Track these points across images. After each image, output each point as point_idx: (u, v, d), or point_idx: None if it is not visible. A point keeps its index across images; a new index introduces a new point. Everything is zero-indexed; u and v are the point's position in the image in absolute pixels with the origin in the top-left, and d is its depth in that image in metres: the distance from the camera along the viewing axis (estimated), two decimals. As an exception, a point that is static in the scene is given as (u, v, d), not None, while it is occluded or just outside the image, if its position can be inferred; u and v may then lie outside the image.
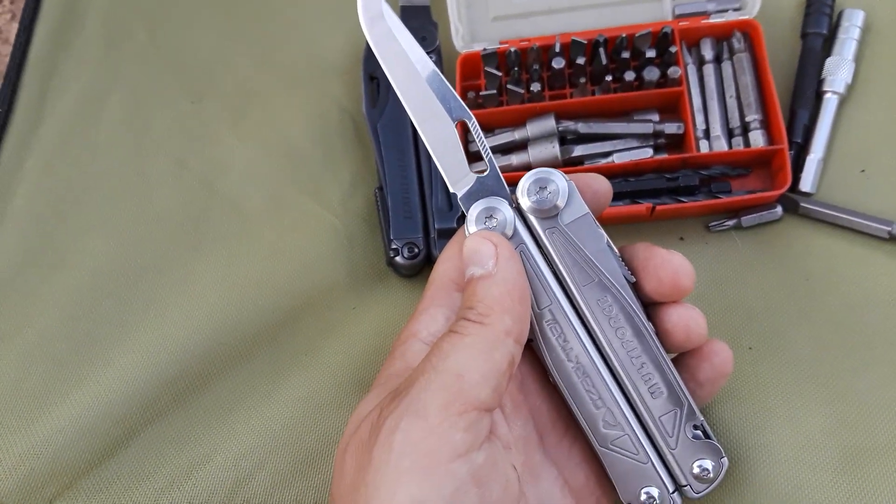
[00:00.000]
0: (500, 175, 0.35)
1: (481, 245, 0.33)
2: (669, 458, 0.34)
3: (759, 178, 0.47)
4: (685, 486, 0.34)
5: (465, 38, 0.50)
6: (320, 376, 0.42)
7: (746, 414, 0.40)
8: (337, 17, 0.52)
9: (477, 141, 0.35)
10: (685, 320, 0.34)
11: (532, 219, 0.35)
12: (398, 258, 0.44)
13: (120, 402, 0.41)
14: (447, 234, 0.45)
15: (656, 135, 0.47)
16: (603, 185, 0.36)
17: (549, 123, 0.47)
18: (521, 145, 0.48)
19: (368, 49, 0.49)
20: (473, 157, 0.48)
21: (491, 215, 0.34)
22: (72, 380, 0.42)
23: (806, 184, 0.45)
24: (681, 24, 0.48)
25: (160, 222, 0.46)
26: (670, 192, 0.46)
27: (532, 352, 0.35)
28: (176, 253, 0.46)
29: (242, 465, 0.40)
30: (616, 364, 0.34)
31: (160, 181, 0.48)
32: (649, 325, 0.34)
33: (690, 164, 0.46)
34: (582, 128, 0.47)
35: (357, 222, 0.47)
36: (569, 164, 0.47)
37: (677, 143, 0.47)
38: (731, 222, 0.45)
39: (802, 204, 0.45)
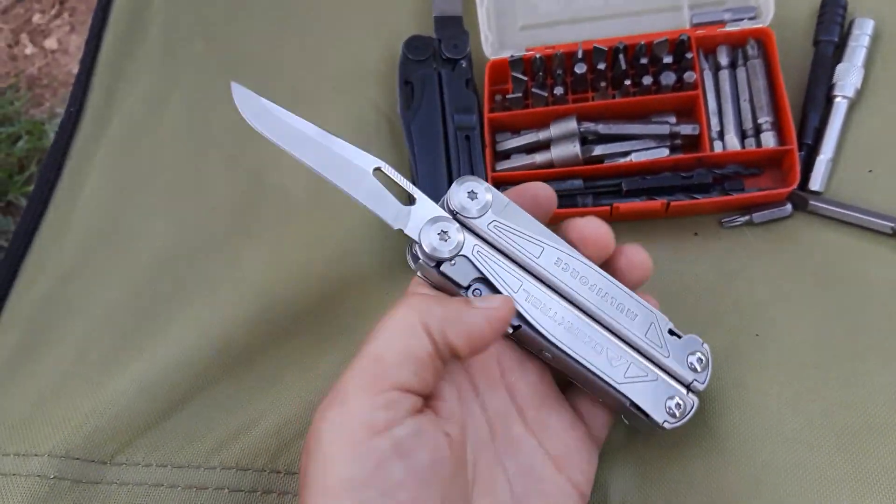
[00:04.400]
0: (428, 198, 0.38)
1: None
2: (669, 365, 0.38)
3: (770, 176, 0.49)
4: (691, 382, 0.38)
5: (494, 45, 0.53)
6: (356, 351, 0.45)
7: (750, 398, 0.42)
8: (376, 28, 0.56)
9: (397, 180, 0.38)
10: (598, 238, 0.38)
11: (472, 222, 0.38)
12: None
13: (175, 370, 0.45)
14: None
15: (672, 136, 0.49)
16: (544, 192, 0.39)
17: (571, 125, 0.50)
18: (544, 145, 0.51)
19: (404, 56, 0.53)
20: (501, 155, 0.52)
21: (444, 231, 0.37)
22: (133, 349, 0.46)
23: (815, 182, 0.48)
24: (698, 31, 0.50)
25: (214, 210, 0.51)
26: (685, 190, 0.48)
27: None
28: (227, 238, 0.50)
29: (285, 431, 0.43)
30: (593, 308, 0.38)
31: (215, 174, 0.52)
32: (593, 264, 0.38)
33: (705, 164, 0.48)
34: (602, 129, 0.50)
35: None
36: (589, 163, 0.50)
37: (693, 143, 0.50)
38: (743, 218, 0.48)
39: (811, 202, 0.47)
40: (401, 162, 0.52)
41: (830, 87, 0.50)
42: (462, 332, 0.34)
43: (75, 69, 1.66)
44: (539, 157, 0.50)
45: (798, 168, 0.47)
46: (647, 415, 0.37)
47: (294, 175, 0.52)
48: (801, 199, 0.47)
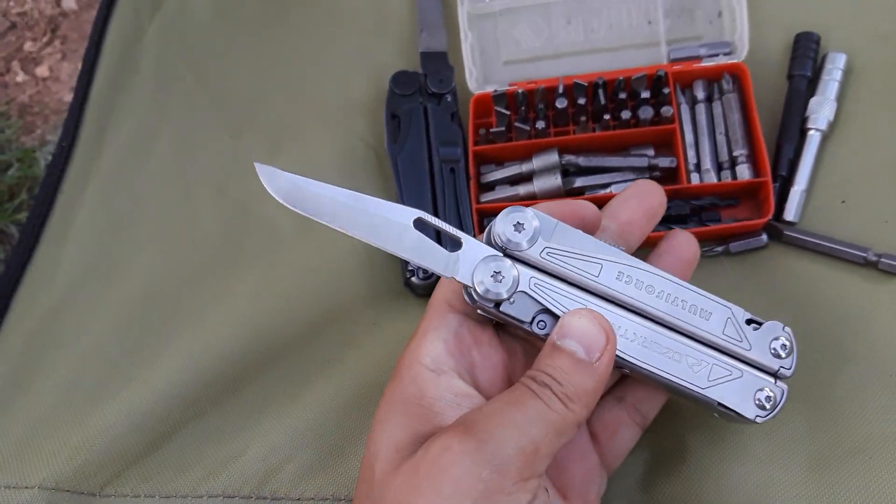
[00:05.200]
0: (474, 239, 0.37)
1: (595, 332, 0.34)
2: (752, 357, 0.37)
3: (746, 207, 0.50)
4: (778, 370, 0.37)
5: (478, 80, 0.55)
6: (342, 381, 0.46)
7: (722, 422, 0.43)
8: (363, 62, 0.58)
9: (440, 226, 0.36)
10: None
11: (523, 254, 0.36)
12: (414, 279, 0.49)
13: (164, 401, 0.45)
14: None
15: (651, 168, 0.51)
16: (591, 213, 0.39)
17: (552, 157, 0.51)
18: (527, 177, 0.52)
19: (391, 90, 0.54)
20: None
21: (497, 272, 0.35)
22: (122, 380, 0.47)
23: (790, 213, 0.49)
24: (675, 67, 0.52)
25: (202, 242, 0.52)
26: (663, 221, 0.48)
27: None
28: (215, 269, 0.51)
29: (271, 459, 0.44)
30: (664, 316, 0.36)
31: (203, 206, 0.53)
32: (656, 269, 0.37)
33: (682, 195, 0.49)
34: (583, 161, 0.51)
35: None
36: (570, 194, 0.51)
37: (670, 175, 0.51)
38: (720, 248, 0.49)
39: (786, 232, 0.48)
40: (387, 194, 0.54)
41: (804, 119, 0.51)
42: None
43: (67, 97, 1.67)
44: (522, 189, 0.51)
45: (773, 199, 0.48)
46: (737, 413, 0.36)
47: (280, 207, 0.52)
48: (776, 230, 0.49)
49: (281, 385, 0.47)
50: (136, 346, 0.48)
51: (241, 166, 0.55)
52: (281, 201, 0.35)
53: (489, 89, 0.53)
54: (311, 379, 0.47)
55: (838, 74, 0.52)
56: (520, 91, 0.52)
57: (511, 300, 0.36)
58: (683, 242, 0.41)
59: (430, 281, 0.49)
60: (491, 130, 0.52)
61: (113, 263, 0.52)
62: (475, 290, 0.35)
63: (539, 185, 0.51)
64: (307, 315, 0.49)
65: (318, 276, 0.50)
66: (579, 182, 0.51)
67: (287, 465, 0.44)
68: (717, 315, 0.37)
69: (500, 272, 0.35)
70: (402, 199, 0.51)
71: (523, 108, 0.53)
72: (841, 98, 0.52)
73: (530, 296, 0.36)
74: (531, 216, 0.36)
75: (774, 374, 0.37)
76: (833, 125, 0.51)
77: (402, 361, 0.37)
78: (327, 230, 0.51)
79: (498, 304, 0.36)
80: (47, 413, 0.46)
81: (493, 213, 0.50)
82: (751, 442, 0.42)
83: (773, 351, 0.37)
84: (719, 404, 0.36)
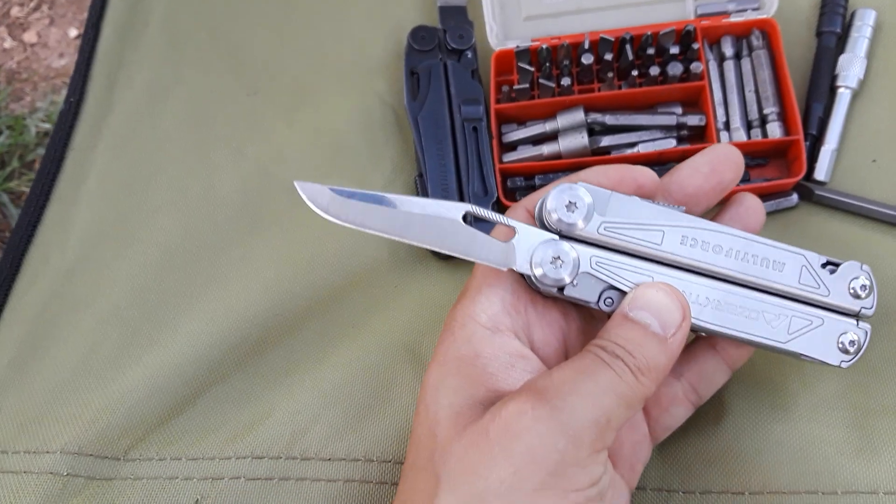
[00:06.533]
0: (528, 226, 0.35)
1: (673, 307, 0.33)
2: (831, 302, 0.36)
3: (776, 167, 0.50)
4: (859, 311, 0.36)
5: (498, 36, 0.53)
6: (367, 342, 0.45)
7: (763, 381, 0.42)
8: (380, 19, 0.56)
9: (491, 217, 0.35)
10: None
11: (580, 233, 0.35)
12: (437, 240, 0.48)
13: (187, 364, 0.44)
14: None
15: (679, 126, 0.50)
16: (647, 178, 0.37)
17: (578, 116, 0.50)
18: (551, 136, 0.51)
19: (409, 46, 0.52)
20: (506, 147, 0.51)
21: (556, 257, 0.34)
22: (143, 344, 0.46)
23: (820, 173, 0.48)
24: (703, 22, 0.51)
25: (221, 204, 0.50)
26: (692, 180, 0.49)
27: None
28: (235, 232, 0.49)
29: (298, 420, 0.43)
30: (736, 274, 0.35)
31: (221, 167, 0.51)
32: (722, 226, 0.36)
33: (711, 154, 0.49)
34: (609, 120, 0.50)
35: (399, 208, 0.51)
36: (596, 154, 0.50)
37: (699, 134, 0.50)
38: (749, 208, 0.48)
39: (817, 192, 0.48)
40: (407, 154, 0.52)
41: (834, 77, 0.50)
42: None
43: (55, 63, 1.64)
44: (546, 149, 0.50)
45: (804, 158, 0.47)
46: (822, 361, 0.36)
47: (301, 167, 0.51)
48: (807, 190, 0.48)
49: (305, 348, 0.46)
50: (156, 308, 0.47)
51: (258, 126, 0.53)
52: (328, 218, 0.35)
53: (511, 45, 0.51)
54: (335, 341, 0.46)
55: (868, 31, 0.51)
56: (544, 47, 0.51)
57: (574, 283, 0.35)
58: (752, 209, 0.39)
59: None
60: (514, 88, 0.51)
61: (128, 225, 0.50)
62: (536, 279, 0.34)
63: (564, 144, 0.50)
64: (329, 278, 0.48)
65: (340, 238, 0.49)
66: (606, 141, 0.50)
67: (315, 426, 0.43)
68: (790, 264, 0.36)
69: (558, 257, 0.34)
70: (423, 157, 0.50)
71: (547, 64, 0.51)
72: (871, 55, 0.51)
73: (593, 275, 0.35)
74: (583, 193, 0.35)
75: (856, 316, 0.36)
76: (863, 83, 0.50)
77: (455, 319, 0.36)
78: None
79: (561, 288, 0.35)
80: (67, 377, 0.45)
81: (517, 174, 0.50)
82: (791, 400, 0.41)
83: (852, 291, 0.36)
84: (802, 356, 0.36)
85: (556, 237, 0.35)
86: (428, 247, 0.34)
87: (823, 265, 0.36)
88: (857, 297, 0.36)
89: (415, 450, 0.34)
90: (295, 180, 0.35)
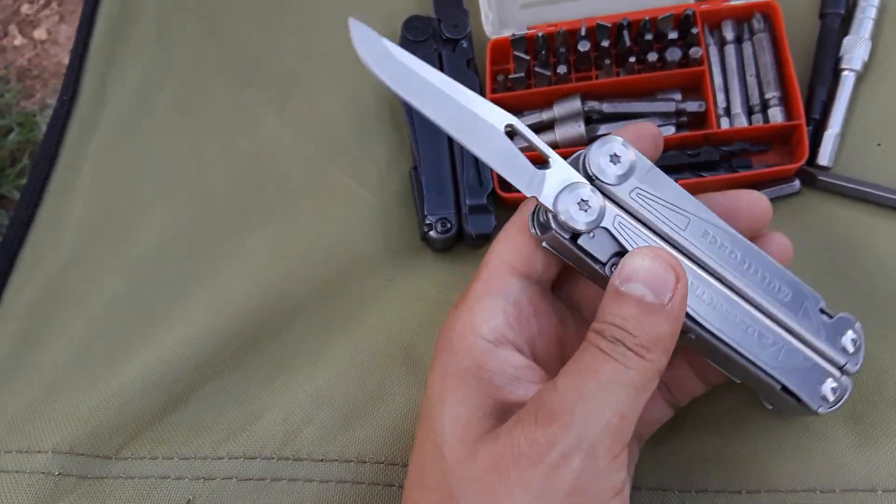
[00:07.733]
0: (565, 162, 0.33)
1: (661, 270, 0.30)
2: (822, 347, 0.35)
3: (778, 153, 0.48)
4: (844, 365, 0.35)
5: (494, 24, 0.52)
6: (361, 339, 0.45)
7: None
8: (374, 8, 0.55)
9: (531, 138, 0.33)
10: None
11: (612, 189, 0.33)
12: (432, 233, 0.47)
13: (180, 361, 0.44)
14: (478, 210, 0.47)
15: (678, 113, 0.49)
16: (651, 131, 0.36)
17: (575, 104, 0.49)
18: (548, 125, 0.50)
19: (403, 36, 0.52)
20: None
21: (584, 200, 0.32)
22: (136, 341, 0.45)
23: (824, 158, 0.47)
24: (702, 6, 0.50)
25: (213, 197, 0.50)
26: (692, 168, 0.48)
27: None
28: (228, 226, 0.49)
29: (292, 419, 0.43)
30: (742, 287, 0.34)
31: (213, 160, 0.51)
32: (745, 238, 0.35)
33: (712, 141, 0.47)
34: (607, 108, 0.49)
35: (393, 200, 0.50)
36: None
37: (699, 120, 0.49)
38: (751, 196, 0.47)
39: (820, 177, 0.46)
40: (402, 146, 0.52)
41: (837, 60, 0.49)
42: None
43: (65, 59, 1.65)
44: (543, 138, 0.49)
45: (807, 143, 0.46)
46: (799, 400, 0.35)
47: (294, 160, 0.51)
48: (810, 175, 0.47)
49: (299, 343, 0.45)
50: (149, 304, 0.47)
51: (250, 119, 0.52)
52: (370, 67, 0.32)
53: (506, 34, 0.51)
54: (329, 337, 0.45)
55: (872, 12, 0.50)
56: (540, 34, 0.50)
57: (591, 235, 0.33)
58: (755, 202, 0.37)
59: (449, 235, 0.47)
60: (509, 77, 0.50)
61: (122, 221, 0.50)
62: (555, 218, 0.32)
63: (561, 133, 0.49)
64: (323, 272, 0.47)
65: (333, 232, 0.48)
66: (603, 129, 0.49)
67: (308, 426, 0.42)
68: (794, 296, 0.35)
69: (587, 201, 0.32)
70: (417, 149, 0.49)
71: (543, 52, 0.50)
72: (876, 37, 0.50)
73: (612, 234, 0.33)
74: (629, 151, 0.33)
75: (841, 368, 0.36)
76: (867, 66, 0.49)
77: (454, 329, 0.34)
78: (341, 184, 0.50)
79: (576, 236, 0.33)
80: (59, 375, 0.45)
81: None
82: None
83: (842, 345, 0.35)
84: (783, 388, 0.34)
85: (589, 183, 0.33)
86: (460, 141, 0.32)
87: (821, 310, 0.36)
88: (845, 351, 0.35)
89: (419, 468, 0.33)
90: (350, 17, 0.33)
